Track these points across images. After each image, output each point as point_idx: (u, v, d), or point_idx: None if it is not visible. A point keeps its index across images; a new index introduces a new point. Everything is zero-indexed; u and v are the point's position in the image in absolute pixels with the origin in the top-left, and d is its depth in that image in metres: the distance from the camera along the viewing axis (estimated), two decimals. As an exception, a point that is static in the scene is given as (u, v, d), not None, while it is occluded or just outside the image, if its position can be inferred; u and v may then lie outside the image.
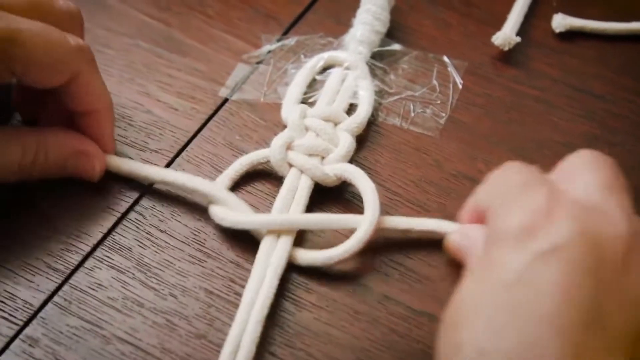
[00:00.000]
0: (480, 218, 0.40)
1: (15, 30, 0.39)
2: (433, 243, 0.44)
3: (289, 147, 0.47)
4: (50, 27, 0.41)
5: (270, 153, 0.47)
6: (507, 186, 0.38)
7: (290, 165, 0.47)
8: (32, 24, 0.40)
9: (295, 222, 0.44)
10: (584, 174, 0.38)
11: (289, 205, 0.46)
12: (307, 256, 0.44)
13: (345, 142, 0.48)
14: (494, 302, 0.32)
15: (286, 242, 0.44)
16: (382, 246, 0.45)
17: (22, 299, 0.42)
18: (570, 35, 0.57)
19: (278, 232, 0.44)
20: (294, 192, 0.46)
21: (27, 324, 0.41)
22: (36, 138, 0.43)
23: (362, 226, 0.44)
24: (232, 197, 0.45)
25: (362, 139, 0.50)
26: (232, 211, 0.45)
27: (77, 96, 0.44)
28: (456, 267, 0.41)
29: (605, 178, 0.37)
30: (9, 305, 0.42)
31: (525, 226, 0.34)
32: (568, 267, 0.32)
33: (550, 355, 0.30)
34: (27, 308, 0.42)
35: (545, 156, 0.50)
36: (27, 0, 0.42)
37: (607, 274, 0.32)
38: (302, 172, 0.47)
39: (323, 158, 0.47)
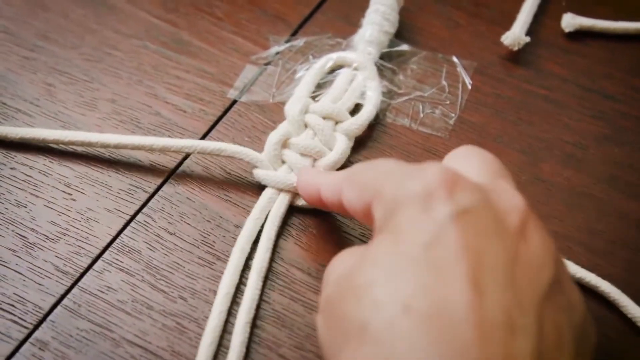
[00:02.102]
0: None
1: None
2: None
3: (285, 144, 0.48)
4: None
5: (265, 148, 0.48)
6: (390, 168, 0.37)
7: (283, 162, 0.48)
8: None
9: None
10: (472, 161, 0.38)
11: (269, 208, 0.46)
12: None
13: (340, 147, 0.48)
14: (414, 262, 0.32)
15: (285, 197, 0.46)
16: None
17: (31, 302, 0.42)
18: (580, 34, 0.57)
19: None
20: (276, 197, 0.47)
21: (36, 327, 0.41)
22: None
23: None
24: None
25: (371, 140, 0.50)
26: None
27: None
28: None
29: (493, 166, 0.38)
30: (19, 309, 0.42)
31: (427, 191, 0.33)
32: (478, 230, 0.32)
33: (472, 312, 0.30)
34: (37, 311, 0.42)
35: (555, 156, 0.50)
36: None
37: (510, 241, 0.33)
38: (292, 170, 0.47)
39: (316, 160, 0.48)
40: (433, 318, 0.30)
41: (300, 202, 0.46)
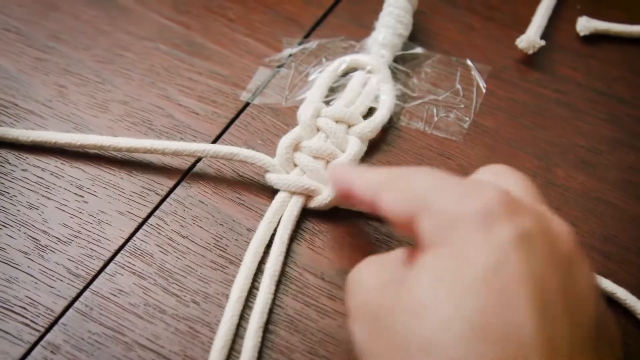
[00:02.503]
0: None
1: None
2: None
3: (296, 147, 0.47)
4: None
5: (277, 152, 0.47)
6: (440, 180, 0.36)
7: (295, 165, 0.48)
8: None
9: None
10: (511, 181, 0.37)
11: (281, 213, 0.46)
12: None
13: (353, 148, 0.48)
14: (478, 283, 0.31)
15: (298, 200, 0.46)
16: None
17: (43, 305, 0.42)
18: (595, 38, 0.57)
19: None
20: (289, 200, 0.46)
21: (48, 330, 0.41)
22: None
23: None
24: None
25: (385, 144, 0.50)
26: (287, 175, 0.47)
27: None
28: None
29: (532, 188, 0.38)
30: (30, 312, 0.41)
31: (487, 211, 0.33)
32: (538, 255, 0.32)
33: (541, 336, 0.30)
34: (48, 314, 0.41)
35: (569, 161, 0.50)
36: None
37: (563, 268, 0.33)
38: (304, 172, 0.47)
39: (328, 162, 0.47)
40: (502, 340, 0.30)
41: (314, 205, 0.46)
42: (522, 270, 0.31)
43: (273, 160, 0.47)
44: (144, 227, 0.45)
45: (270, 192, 0.47)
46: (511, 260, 0.32)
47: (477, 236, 0.33)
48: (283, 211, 0.46)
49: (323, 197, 0.46)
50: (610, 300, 0.43)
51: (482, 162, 0.49)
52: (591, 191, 0.48)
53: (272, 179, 0.46)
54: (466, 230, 0.33)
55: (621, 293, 0.43)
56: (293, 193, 0.46)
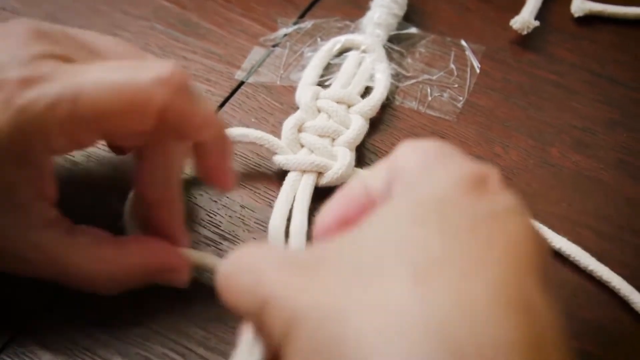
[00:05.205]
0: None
1: (78, 83, 0.34)
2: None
3: (300, 129, 0.47)
4: (120, 65, 0.37)
5: (282, 134, 0.47)
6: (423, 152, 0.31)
7: (302, 146, 0.47)
8: (98, 68, 0.36)
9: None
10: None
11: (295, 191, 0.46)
12: None
13: (357, 124, 0.48)
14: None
15: (310, 177, 0.46)
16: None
17: None
18: (590, 19, 0.57)
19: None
20: (299, 181, 0.46)
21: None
22: (115, 256, 0.38)
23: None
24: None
25: (379, 122, 0.50)
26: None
27: (176, 130, 0.37)
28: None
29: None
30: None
31: (471, 180, 0.29)
32: (524, 231, 0.28)
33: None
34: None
35: (563, 141, 0.50)
36: (113, 51, 0.39)
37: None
38: (312, 151, 0.47)
39: (334, 140, 0.47)
40: None
41: (325, 181, 0.46)
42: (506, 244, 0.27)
43: (280, 142, 0.47)
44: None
45: (259, 168, 0.47)
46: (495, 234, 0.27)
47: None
48: (294, 190, 0.46)
49: (334, 171, 0.46)
50: (605, 287, 0.43)
51: (476, 142, 0.49)
52: (585, 171, 0.49)
53: (280, 160, 0.46)
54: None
55: (617, 282, 0.43)
56: (304, 172, 0.46)
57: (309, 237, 0.43)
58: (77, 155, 0.46)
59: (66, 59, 0.36)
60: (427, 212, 0.28)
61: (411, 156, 0.31)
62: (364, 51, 0.52)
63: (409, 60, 0.53)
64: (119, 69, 0.36)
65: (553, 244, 0.44)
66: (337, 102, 0.48)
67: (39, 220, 0.36)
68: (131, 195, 0.42)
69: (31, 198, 0.36)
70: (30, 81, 0.34)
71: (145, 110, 0.35)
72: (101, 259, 0.38)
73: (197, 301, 0.40)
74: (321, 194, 0.45)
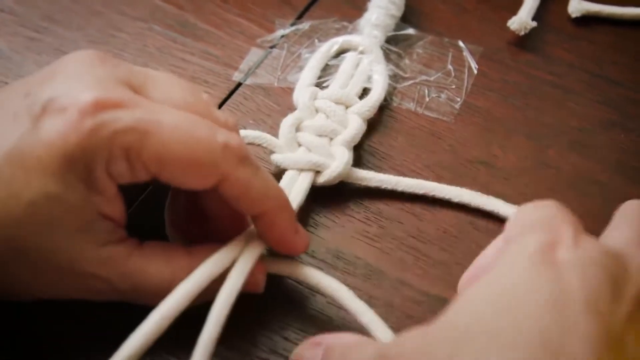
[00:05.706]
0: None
1: (153, 121, 0.34)
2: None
3: (298, 128, 0.47)
4: (197, 119, 0.36)
5: (280, 132, 0.47)
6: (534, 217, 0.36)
7: (299, 145, 0.47)
8: (176, 115, 0.35)
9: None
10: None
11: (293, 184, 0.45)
12: None
13: (355, 124, 0.48)
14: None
15: (307, 175, 0.45)
16: (396, 231, 0.45)
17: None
18: (587, 20, 0.57)
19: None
20: (296, 178, 0.46)
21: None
22: (188, 263, 0.37)
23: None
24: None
25: (376, 124, 0.50)
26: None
27: (232, 200, 0.37)
28: (470, 252, 0.41)
29: None
30: None
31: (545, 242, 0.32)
32: (592, 279, 0.31)
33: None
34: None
35: (561, 141, 0.50)
36: (183, 99, 0.38)
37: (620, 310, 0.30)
38: (309, 150, 0.46)
39: (332, 139, 0.47)
40: None
41: (323, 179, 0.46)
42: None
43: (278, 141, 0.47)
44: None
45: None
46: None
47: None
48: (291, 188, 0.45)
49: (332, 170, 0.46)
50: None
51: (474, 143, 0.49)
52: (583, 171, 0.49)
53: (278, 158, 0.46)
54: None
55: None
56: (301, 171, 0.46)
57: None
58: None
59: (132, 87, 0.36)
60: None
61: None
62: (361, 52, 0.52)
63: (407, 61, 0.53)
64: (195, 124, 0.36)
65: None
66: (336, 103, 0.48)
67: (110, 237, 0.36)
68: (167, 203, 0.42)
69: (101, 217, 0.35)
70: (104, 104, 0.34)
71: (208, 173, 0.36)
72: (176, 267, 0.37)
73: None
74: (317, 193, 0.46)
